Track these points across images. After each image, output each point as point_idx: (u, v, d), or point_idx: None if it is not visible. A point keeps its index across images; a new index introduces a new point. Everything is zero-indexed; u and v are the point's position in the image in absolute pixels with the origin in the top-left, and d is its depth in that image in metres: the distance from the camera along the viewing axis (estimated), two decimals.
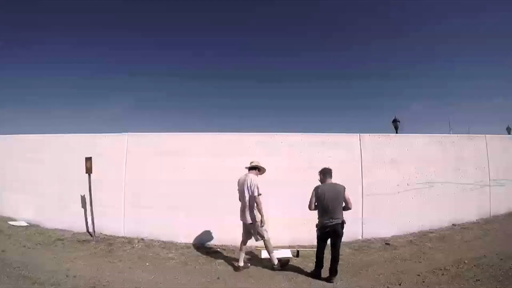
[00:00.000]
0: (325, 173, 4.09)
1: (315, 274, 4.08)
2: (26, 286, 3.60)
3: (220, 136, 6.00)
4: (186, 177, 5.74)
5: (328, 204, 3.85)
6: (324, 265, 4.04)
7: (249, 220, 4.30)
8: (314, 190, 4.03)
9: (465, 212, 6.24)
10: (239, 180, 4.49)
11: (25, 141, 6.92)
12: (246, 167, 4.52)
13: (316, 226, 4.00)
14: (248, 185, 4.28)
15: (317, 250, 4.08)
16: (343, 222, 3.89)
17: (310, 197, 4.03)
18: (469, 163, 6.43)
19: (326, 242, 4.03)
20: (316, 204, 3.99)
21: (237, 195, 4.51)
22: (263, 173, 4.61)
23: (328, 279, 3.91)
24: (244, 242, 4.48)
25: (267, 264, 4.53)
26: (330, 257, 3.92)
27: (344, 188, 3.96)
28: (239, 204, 4.46)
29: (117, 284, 3.82)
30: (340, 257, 3.97)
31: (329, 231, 3.88)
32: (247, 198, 4.29)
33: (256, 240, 4.41)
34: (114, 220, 5.87)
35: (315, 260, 4.12)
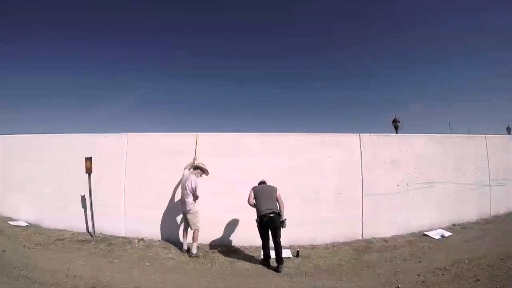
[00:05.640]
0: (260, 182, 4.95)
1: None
2: (26, 286, 3.60)
3: (220, 136, 6.00)
4: None
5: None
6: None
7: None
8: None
9: (465, 212, 6.24)
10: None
11: (25, 141, 6.91)
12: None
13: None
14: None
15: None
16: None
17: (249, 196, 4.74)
18: (469, 163, 6.43)
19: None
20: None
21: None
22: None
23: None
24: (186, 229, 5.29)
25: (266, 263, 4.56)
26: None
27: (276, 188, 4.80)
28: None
29: (117, 284, 3.82)
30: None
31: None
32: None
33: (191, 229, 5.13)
34: (114, 220, 5.86)
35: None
